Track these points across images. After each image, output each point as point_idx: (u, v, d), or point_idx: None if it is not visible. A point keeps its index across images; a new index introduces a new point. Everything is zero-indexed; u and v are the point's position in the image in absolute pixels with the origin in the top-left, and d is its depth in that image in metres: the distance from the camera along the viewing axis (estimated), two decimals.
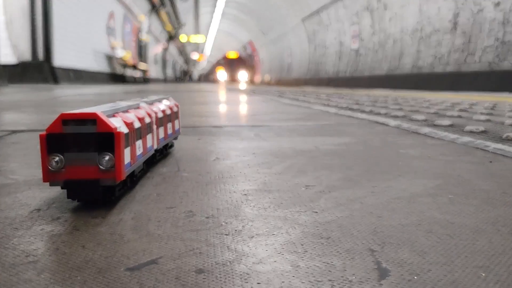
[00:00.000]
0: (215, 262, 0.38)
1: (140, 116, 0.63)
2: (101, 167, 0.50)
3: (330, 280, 0.35)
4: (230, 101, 3.16)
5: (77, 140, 0.50)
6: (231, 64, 32.09)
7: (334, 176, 0.71)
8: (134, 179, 0.63)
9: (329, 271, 0.37)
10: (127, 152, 0.54)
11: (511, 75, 5.89)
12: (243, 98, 3.68)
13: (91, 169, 0.50)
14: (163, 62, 24.60)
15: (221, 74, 32.09)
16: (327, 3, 12.90)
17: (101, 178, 0.51)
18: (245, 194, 0.60)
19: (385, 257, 0.39)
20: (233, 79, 30.88)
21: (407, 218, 0.50)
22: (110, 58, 12.05)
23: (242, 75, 30.55)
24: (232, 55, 32.37)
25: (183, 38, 27.06)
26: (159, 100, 0.84)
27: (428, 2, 8.15)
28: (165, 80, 24.13)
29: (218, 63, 33.94)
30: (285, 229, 0.46)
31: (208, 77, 42.21)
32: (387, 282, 0.34)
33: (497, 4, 6.39)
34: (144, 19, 16.45)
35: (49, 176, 0.51)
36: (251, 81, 28.95)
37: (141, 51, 16.47)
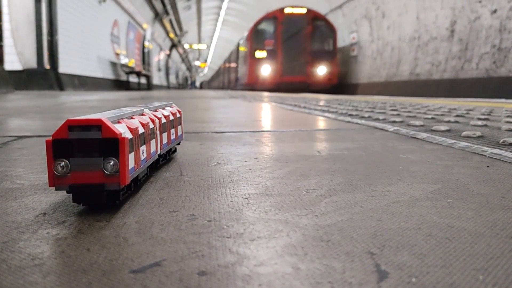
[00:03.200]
0: (217, 264, 0.39)
1: (144, 122, 0.64)
2: (106, 172, 0.51)
3: (330, 282, 0.35)
4: (231, 107, 3.17)
5: (82, 146, 0.51)
6: (292, 37, 11.83)
7: (335, 181, 0.71)
8: (138, 183, 0.64)
9: (329, 273, 0.37)
10: (131, 157, 0.55)
11: (508, 81, 5.90)
12: (244, 104, 3.69)
13: (96, 174, 0.51)
14: (166, 69, 24.73)
15: (264, 66, 11.74)
16: (327, 11, 12.95)
17: (106, 183, 0.52)
18: (246, 198, 0.61)
19: (385, 260, 0.40)
20: (294, 82, 11.51)
21: (407, 221, 0.51)
22: (114, 65, 12.14)
23: (322, 69, 11.50)
24: (296, 10, 11.83)
25: (185, 45, 26.98)
26: (163, 107, 0.85)
27: (426, 10, 8.20)
28: (168, 87, 24.23)
29: (255, 35, 12.15)
30: (286, 232, 0.47)
31: (210, 83, 40.68)
32: (386, 284, 0.35)
33: (494, 12, 6.42)
34: (148, 27, 16.60)
35: (55, 181, 0.52)
36: (337, 85, 11.43)
37: (144, 58, 16.59)
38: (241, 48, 14.80)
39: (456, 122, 1.77)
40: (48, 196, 0.62)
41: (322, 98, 5.20)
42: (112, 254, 0.41)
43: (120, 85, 12.32)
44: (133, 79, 13.70)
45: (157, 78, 20.60)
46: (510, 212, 0.54)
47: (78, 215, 0.54)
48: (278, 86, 11.63)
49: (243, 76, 14.02)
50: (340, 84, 12.01)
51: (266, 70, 11.99)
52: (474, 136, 1.27)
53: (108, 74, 11.57)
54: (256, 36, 12.25)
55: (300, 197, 0.61)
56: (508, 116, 2.01)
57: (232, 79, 18.54)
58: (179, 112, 0.94)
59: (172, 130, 0.86)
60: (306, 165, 0.86)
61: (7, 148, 1.11)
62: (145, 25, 16.29)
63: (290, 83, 11.68)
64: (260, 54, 12.10)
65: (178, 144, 0.96)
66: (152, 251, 0.42)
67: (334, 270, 0.38)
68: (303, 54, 11.89)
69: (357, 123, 1.77)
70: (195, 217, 0.52)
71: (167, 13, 18.38)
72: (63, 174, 0.51)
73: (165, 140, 0.80)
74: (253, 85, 12.25)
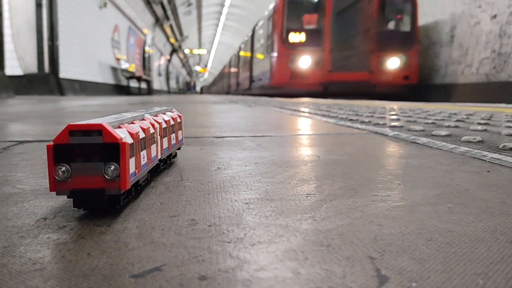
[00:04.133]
0: (218, 269, 0.39)
1: (145, 127, 0.64)
2: (106, 176, 0.52)
3: (330, 287, 0.36)
4: (231, 112, 3.18)
5: (83, 151, 0.51)
6: (348, 10, 7.30)
7: (335, 185, 0.72)
8: (138, 188, 0.64)
9: (329, 278, 0.37)
10: (132, 162, 0.55)
11: (508, 86, 5.92)
12: (244, 109, 3.70)
13: (97, 178, 0.51)
14: (166, 74, 24.78)
15: (303, 58, 7.09)
16: None
17: (106, 188, 0.52)
18: (247, 203, 0.61)
19: (385, 264, 0.40)
20: (350, 82, 7.32)
21: (407, 226, 0.51)
22: (114, 70, 12.18)
23: (395, 62, 7.27)
24: None
25: (186, 50, 27.00)
26: (163, 112, 0.85)
27: (426, 15, 8.21)
28: (168, 92, 24.26)
29: (289, 7, 7.08)
30: (286, 237, 0.47)
31: (211, 88, 40.65)
32: None
33: (494, 17, 6.45)
34: (148, 32, 16.67)
35: (56, 186, 0.52)
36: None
37: (145, 63, 16.65)
38: (259, 36, 10.09)
39: (456, 127, 1.78)
40: (49, 201, 0.62)
41: (320, 102, 5.19)
42: (112, 258, 0.41)
43: (120, 90, 12.35)
44: (133, 84, 13.73)
45: (158, 83, 20.64)
46: (510, 217, 0.54)
47: (79, 220, 0.54)
48: (324, 88, 7.58)
49: (263, 75, 9.24)
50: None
51: (305, 63, 7.51)
52: (474, 141, 1.27)
53: (109, 79, 11.61)
54: (290, 9, 7.59)
55: (301, 201, 0.62)
56: (508, 121, 2.02)
57: (242, 81, 13.59)
58: (180, 117, 0.94)
59: (173, 135, 0.86)
60: (306, 170, 0.86)
61: (7, 153, 1.11)
62: (145, 30, 16.36)
63: (344, 83, 7.47)
64: (296, 37, 7.55)
65: (179, 149, 0.96)
66: (152, 255, 0.42)
67: (334, 275, 0.38)
68: (365, 37, 7.47)
69: (357, 128, 1.77)
70: (196, 222, 0.52)
71: (167, 18, 18.48)
72: (64, 179, 0.51)
73: (165, 145, 0.80)
74: (282, 86, 7.91)
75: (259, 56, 10.37)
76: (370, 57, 7.69)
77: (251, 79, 11.61)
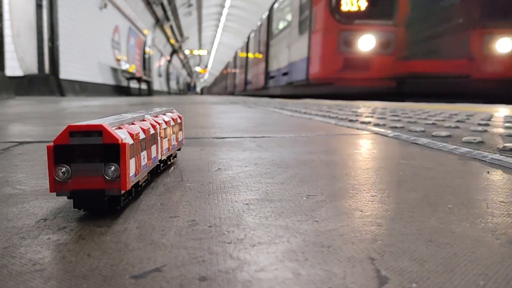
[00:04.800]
0: (218, 270, 0.39)
1: (145, 127, 0.64)
2: (106, 177, 0.52)
3: None
4: (232, 113, 3.18)
5: (83, 151, 0.51)
6: None
7: (335, 186, 0.72)
8: (138, 189, 0.64)
9: (330, 278, 0.37)
10: (132, 162, 0.55)
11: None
12: (243, 110, 3.70)
13: (97, 179, 0.51)
14: (167, 74, 24.79)
15: (363, 38, 3.98)
16: None
17: (106, 188, 0.52)
18: (247, 204, 0.61)
19: (385, 265, 0.40)
20: (437, 76, 3.95)
21: (407, 227, 0.51)
22: (115, 71, 12.18)
23: (508, 44, 3.69)
24: None
25: (186, 51, 26.98)
26: (163, 112, 0.85)
27: None
28: (169, 93, 24.26)
29: None
30: (286, 237, 0.47)
31: (212, 88, 40.48)
32: None
33: None
34: (148, 33, 16.68)
35: (56, 186, 0.52)
36: None
37: (145, 64, 16.65)
38: (282, 14, 7.26)
39: (457, 127, 1.78)
40: (49, 202, 0.62)
41: (321, 103, 5.16)
42: (112, 259, 0.41)
43: (120, 90, 12.36)
44: (133, 84, 13.74)
45: (158, 83, 20.65)
46: (510, 218, 0.54)
47: (79, 220, 0.54)
48: (398, 85, 5.18)
49: (291, 67, 6.50)
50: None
51: (366, 45, 5.05)
52: (475, 141, 1.27)
53: (109, 80, 11.61)
54: None
55: (301, 202, 0.62)
56: (508, 122, 2.01)
57: (252, 77, 10.40)
58: (180, 117, 0.94)
59: (173, 136, 0.87)
60: (306, 171, 0.86)
61: (8, 153, 1.11)
62: (146, 31, 16.38)
63: (428, 78, 5.04)
64: (352, 4, 4.97)
65: (179, 149, 0.96)
66: (152, 256, 0.42)
67: (334, 276, 0.38)
68: (462, 5, 4.96)
69: (357, 129, 1.77)
70: (196, 223, 0.52)
71: (167, 19, 18.50)
72: (64, 179, 0.51)
73: (165, 146, 0.80)
74: (330, 82, 5.42)
75: (283, 40, 7.23)
76: (469, 37, 4.89)
77: (267, 75, 8.69)
